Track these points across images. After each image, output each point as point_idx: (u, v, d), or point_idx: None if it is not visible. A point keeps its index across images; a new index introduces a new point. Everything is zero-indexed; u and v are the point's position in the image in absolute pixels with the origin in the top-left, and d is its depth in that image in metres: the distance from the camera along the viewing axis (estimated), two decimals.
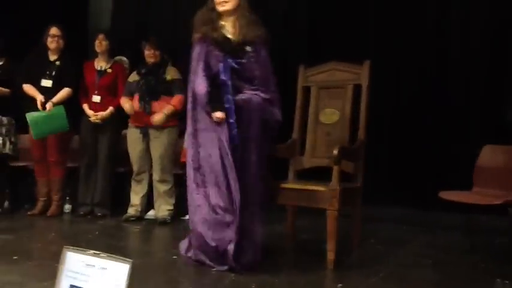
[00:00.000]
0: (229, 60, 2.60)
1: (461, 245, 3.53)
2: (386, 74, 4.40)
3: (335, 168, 2.74)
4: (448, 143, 4.37)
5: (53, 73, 4.48)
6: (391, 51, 4.59)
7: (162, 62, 4.41)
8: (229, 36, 2.71)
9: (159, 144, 4.36)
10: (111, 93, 4.55)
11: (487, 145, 3.69)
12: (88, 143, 4.58)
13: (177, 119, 4.36)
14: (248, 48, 2.64)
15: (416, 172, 4.45)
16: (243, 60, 2.62)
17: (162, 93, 4.33)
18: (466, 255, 3.28)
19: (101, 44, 4.56)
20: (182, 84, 4.17)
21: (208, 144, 2.61)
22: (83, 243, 3.27)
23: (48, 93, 4.40)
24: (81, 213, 4.52)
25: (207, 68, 2.58)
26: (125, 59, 4.86)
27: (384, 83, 4.15)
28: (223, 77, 2.58)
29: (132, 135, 4.46)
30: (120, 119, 4.57)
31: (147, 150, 4.42)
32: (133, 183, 4.50)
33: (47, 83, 4.47)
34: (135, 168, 4.46)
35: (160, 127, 4.31)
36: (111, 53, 4.64)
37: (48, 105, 4.32)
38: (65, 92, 4.45)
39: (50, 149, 4.49)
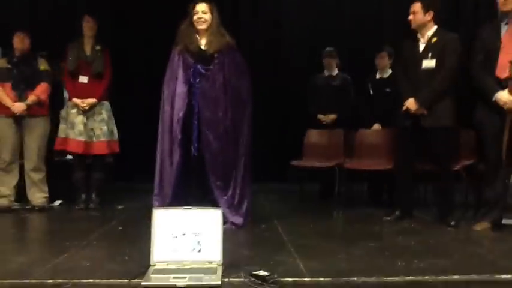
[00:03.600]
0: (199, 67, 3.31)
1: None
2: None
3: None
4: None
5: None
6: None
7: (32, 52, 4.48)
8: (203, 47, 3.38)
9: (34, 133, 4.43)
10: None
11: (309, 129, 5.20)
12: None
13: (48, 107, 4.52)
14: (216, 55, 3.36)
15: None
16: (210, 67, 3.34)
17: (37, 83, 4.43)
18: None
19: None
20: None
21: None
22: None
23: None
24: None
25: (184, 75, 3.26)
26: None
27: None
28: (192, 80, 3.28)
29: (2, 126, 4.38)
30: None
31: (19, 139, 4.43)
32: (1, 174, 4.41)
33: None
34: (5, 158, 4.40)
35: (33, 116, 4.40)
36: None
37: None
38: None
39: None
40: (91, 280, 2.18)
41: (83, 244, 2.98)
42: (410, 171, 3.91)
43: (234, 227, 3.37)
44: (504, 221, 3.54)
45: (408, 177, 3.91)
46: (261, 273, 2.20)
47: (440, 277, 2.24)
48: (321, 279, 2.21)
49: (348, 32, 6.11)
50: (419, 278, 2.24)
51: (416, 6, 3.76)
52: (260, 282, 2.14)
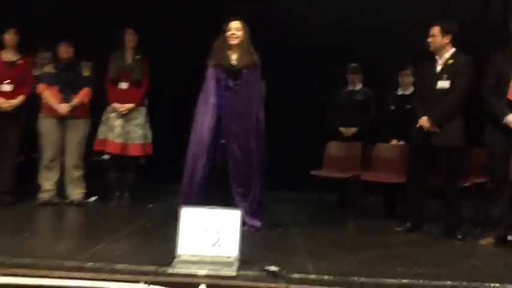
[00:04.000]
0: (228, 81, 3.70)
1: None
2: None
3: None
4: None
5: None
6: None
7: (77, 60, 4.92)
8: (233, 62, 3.76)
9: (75, 133, 4.85)
10: (21, 83, 4.78)
11: (330, 141, 5.46)
12: None
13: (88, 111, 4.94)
14: (244, 71, 3.73)
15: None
16: (238, 82, 3.72)
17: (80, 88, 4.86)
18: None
19: (11, 38, 4.74)
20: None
21: None
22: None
23: None
24: None
25: (216, 88, 3.63)
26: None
27: None
28: (222, 93, 3.69)
29: (47, 125, 4.81)
30: (28, 108, 4.84)
31: (61, 138, 4.85)
32: (44, 170, 4.84)
33: None
34: (48, 155, 4.83)
35: (75, 117, 4.82)
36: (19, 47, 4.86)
37: None
38: None
39: None
40: (125, 265, 2.52)
41: (116, 237, 3.34)
42: (422, 186, 4.12)
43: (253, 229, 3.67)
44: (510, 237, 3.73)
45: (419, 191, 4.13)
46: (272, 268, 2.49)
47: (433, 282, 2.48)
48: (325, 277, 2.49)
49: (373, 48, 6.34)
50: (414, 281, 2.48)
51: (435, 30, 4.00)
52: (270, 275, 2.44)
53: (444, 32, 3.97)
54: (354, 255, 3.10)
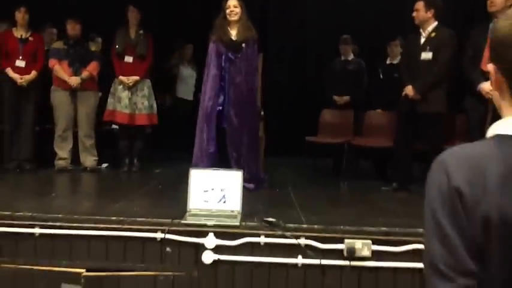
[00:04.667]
0: (229, 54, 4.03)
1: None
2: None
3: None
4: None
5: None
6: None
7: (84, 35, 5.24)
8: (233, 38, 4.09)
9: (86, 105, 5.21)
10: (32, 59, 5.11)
11: (324, 109, 5.83)
12: (13, 104, 5.07)
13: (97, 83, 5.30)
14: (243, 45, 4.06)
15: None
16: (238, 55, 4.05)
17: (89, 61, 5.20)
18: None
19: (23, 16, 5.04)
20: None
21: None
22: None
23: None
24: (10, 168, 5.04)
25: (217, 61, 3.96)
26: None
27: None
28: (223, 64, 4.02)
29: (59, 97, 5.17)
30: (42, 82, 5.19)
31: (73, 110, 5.21)
32: (59, 140, 5.22)
33: None
34: (61, 126, 5.20)
35: (85, 90, 5.17)
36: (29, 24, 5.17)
37: None
38: None
39: None
40: (144, 218, 2.93)
41: (132, 197, 3.75)
42: (408, 150, 4.50)
43: (246, 190, 4.06)
44: None
45: (406, 154, 4.51)
46: (270, 219, 2.90)
47: (408, 230, 2.90)
48: (315, 226, 2.90)
49: (367, 21, 6.62)
50: (391, 229, 2.90)
51: (419, 5, 4.31)
52: (268, 225, 2.85)
53: (427, 7, 4.28)
54: (342, 209, 3.52)
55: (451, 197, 0.91)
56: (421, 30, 4.35)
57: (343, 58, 5.78)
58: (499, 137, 0.94)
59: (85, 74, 5.13)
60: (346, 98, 5.65)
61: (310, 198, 3.98)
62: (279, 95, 6.58)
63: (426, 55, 4.29)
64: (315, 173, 5.61)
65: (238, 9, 4.10)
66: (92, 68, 5.18)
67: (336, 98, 5.69)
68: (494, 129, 0.97)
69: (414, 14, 4.34)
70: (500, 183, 0.88)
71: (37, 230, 2.85)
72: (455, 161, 0.94)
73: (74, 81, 5.09)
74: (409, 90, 4.28)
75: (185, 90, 6.56)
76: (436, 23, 4.31)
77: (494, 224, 0.87)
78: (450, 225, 0.91)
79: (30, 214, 2.94)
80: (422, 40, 4.33)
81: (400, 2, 6.33)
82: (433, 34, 4.29)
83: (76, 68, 5.17)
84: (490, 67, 0.97)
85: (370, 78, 5.71)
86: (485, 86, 3.91)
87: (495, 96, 0.99)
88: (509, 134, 0.93)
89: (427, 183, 0.97)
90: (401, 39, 5.40)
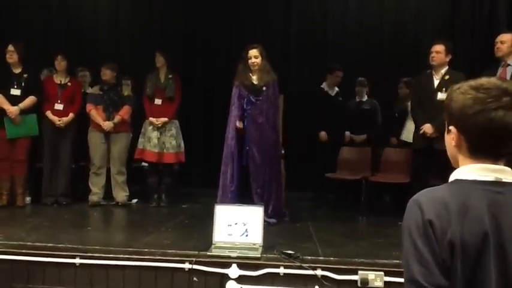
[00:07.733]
0: (251, 97, 4.39)
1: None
2: None
3: None
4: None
5: (22, 84, 5.29)
6: None
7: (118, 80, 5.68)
8: (254, 82, 4.45)
9: (118, 145, 5.60)
10: (70, 102, 5.56)
11: (343, 147, 6.07)
12: (52, 144, 5.49)
13: (129, 125, 5.69)
14: (264, 88, 4.41)
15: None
16: (260, 98, 4.40)
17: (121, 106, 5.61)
18: None
19: (60, 64, 5.52)
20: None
21: None
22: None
23: (17, 101, 5.22)
24: (48, 203, 5.41)
25: (238, 103, 4.32)
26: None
27: None
28: (245, 107, 4.38)
29: (95, 138, 5.57)
30: (79, 123, 5.61)
31: (107, 149, 5.60)
32: (93, 176, 5.60)
33: (15, 91, 5.27)
34: (96, 164, 5.58)
35: (118, 132, 5.56)
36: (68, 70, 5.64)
37: (14, 110, 5.14)
38: (30, 100, 5.30)
39: (20, 149, 5.27)
40: (173, 250, 3.20)
41: (161, 230, 4.03)
42: (425, 185, 4.67)
43: (268, 225, 4.30)
44: None
45: (422, 190, 4.69)
46: (289, 251, 3.14)
47: None
48: (331, 258, 3.12)
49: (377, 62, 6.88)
50: None
51: (441, 48, 4.59)
52: (287, 257, 3.09)
53: (447, 51, 4.57)
54: (358, 243, 3.72)
55: (425, 227, 1.17)
56: (433, 72, 4.62)
57: (358, 99, 6.06)
58: (457, 181, 1.21)
59: (117, 118, 5.53)
60: (363, 136, 5.90)
61: (328, 232, 4.19)
62: (300, 134, 6.86)
63: (442, 96, 4.53)
64: (335, 208, 5.80)
65: (259, 60, 4.44)
66: (123, 113, 5.58)
67: (353, 137, 5.94)
68: (455, 176, 1.23)
69: (434, 55, 4.58)
70: (460, 216, 1.14)
71: (77, 260, 3.14)
72: (427, 199, 1.20)
73: (107, 125, 5.50)
74: (427, 128, 4.52)
75: None
76: (447, 67, 4.59)
77: (457, 248, 1.13)
78: (426, 249, 1.16)
79: (71, 246, 3.25)
80: (436, 82, 4.60)
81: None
82: (446, 77, 4.55)
83: (109, 112, 5.58)
84: (452, 129, 1.24)
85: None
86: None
87: (452, 150, 1.25)
88: (464, 178, 1.20)
89: (405, 217, 1.24)
90: (404, 82, 5.70)
